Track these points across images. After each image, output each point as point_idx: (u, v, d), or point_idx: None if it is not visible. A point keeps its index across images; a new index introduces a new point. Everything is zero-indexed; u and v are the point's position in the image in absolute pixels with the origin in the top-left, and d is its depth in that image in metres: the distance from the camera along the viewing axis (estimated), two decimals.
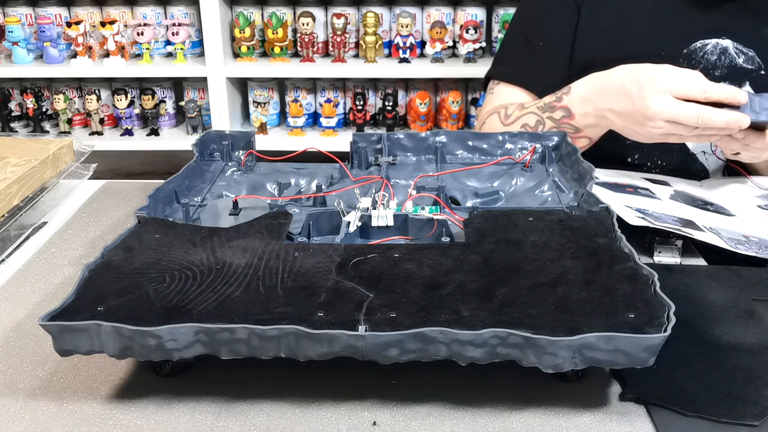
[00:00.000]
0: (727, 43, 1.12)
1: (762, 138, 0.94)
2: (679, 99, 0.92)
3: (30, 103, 2.24)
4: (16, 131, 2.29)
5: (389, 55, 2.29)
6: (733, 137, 0.95)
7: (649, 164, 1.17)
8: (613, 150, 1.11)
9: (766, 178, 1.09)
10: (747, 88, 1.13)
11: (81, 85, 2.34)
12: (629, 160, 1.17)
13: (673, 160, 1.16)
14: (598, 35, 1.16)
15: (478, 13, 2.22)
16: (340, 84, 2.31)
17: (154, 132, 2.32)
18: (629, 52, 1.07)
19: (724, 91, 0.91)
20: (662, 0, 1.15)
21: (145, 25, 2.24)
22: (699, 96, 0.91)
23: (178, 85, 2.39)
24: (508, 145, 0.98)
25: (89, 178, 1.10)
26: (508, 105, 1.16)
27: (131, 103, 2.30)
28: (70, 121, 2.31)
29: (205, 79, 2.23)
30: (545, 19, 1.22)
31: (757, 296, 0.78)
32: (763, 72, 1.13)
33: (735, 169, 1.14)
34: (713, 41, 1.12)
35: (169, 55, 2.31)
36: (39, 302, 0.79)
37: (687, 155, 1.17)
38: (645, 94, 0.94)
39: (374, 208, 0.80)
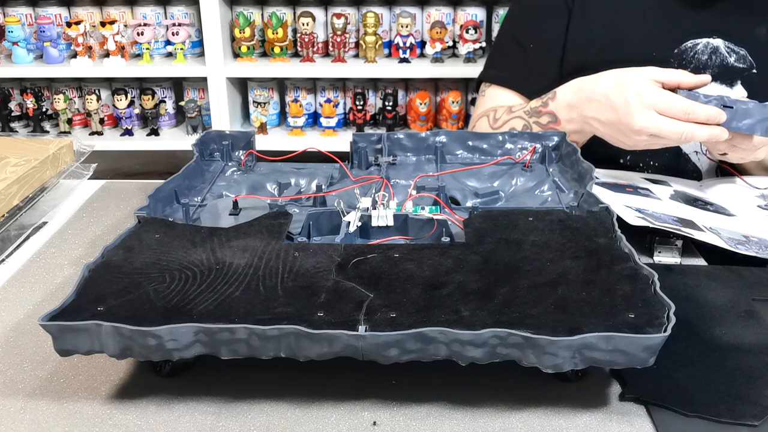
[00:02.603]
0: (718, 42, 1.12)
1: (749, 140, 0.94)
2: (663, 115, 0.93)
3: (30, 103, 2.24)
4: (16, 131, 2.29)
5: (389, 55, 2.29)
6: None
7: (641, 165, 1.17)
8: (605, 151, 1.11)
9: (762, 178, 1.09)
10: (739, 87, 1.13)
11: (81, 85, 2.34)
12: (621, 161, 1.17)
13: (666, 161, 1.17)
14: (589, 37, 1.17)
15: (478, 13, 2.22)
16: (340, 84, 2.31)
17: (154, 132, 2.32)
18: (620, 54, 1.07)
19: (707, 112, 0.90)
20: (652, 1, 1.15)
21: (145, 25, 2.24)
22: (682, 118, 0.91)
23: (178, 85, 2.39)
24: (508, 145, 0.98)
25: (89, 178, 1.10)
26: (497, 108, 1.17)
27: (131, 103, 2.30)
28: (70, 121, 2.31)
29: (205, 79, 2.23)
30: (536, 21, 1.22)
31: (757, 296, 0.78)
32: (755, 71, 1.13)
33: (728, 170, 1.14)
34: (704, 41, 1.13)
35: (169, 55, 2.31)
36: (39, 302, 0.79)
37: (679, 156, 1.17)
38: (631, 109, 0.94)
39: (374, 208, 0.80)
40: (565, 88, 1.06)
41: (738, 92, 1.12)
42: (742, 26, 1.13)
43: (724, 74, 1.12)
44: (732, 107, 0.91)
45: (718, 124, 0.91)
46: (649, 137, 0.94)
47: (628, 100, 0.95)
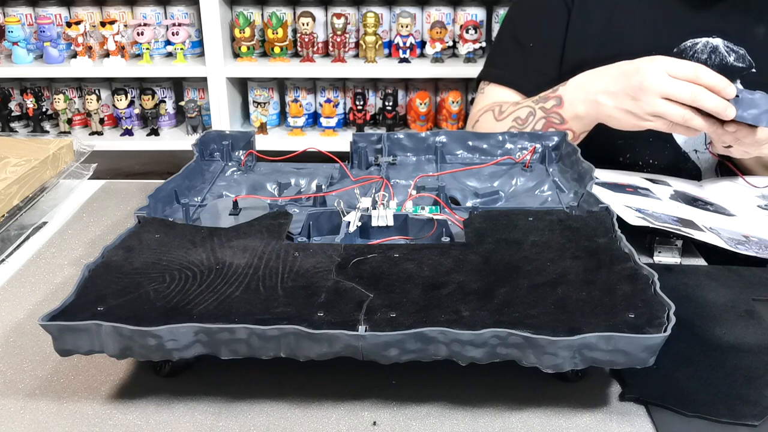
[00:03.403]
0: (717, 41, 1.13)
1: (752, 134, 0.94)
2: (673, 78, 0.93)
3: (30, 103, 2.24)
4: (16, 131, 2.29)
5: (389, 55, 2.29)
6: (725, 129, 0.95)
7: (640, 163, 1.17)
8: (604, 149, 1.11)
9: (763, 178, 1.09)
10: (738, 86, 1.13)
11: (81, 85, 2.34)
12: (621, 159, 1.18)
13: (665, 159, 1.17)
14: (589, 36, 1.17)
15: (478, 13, 2.22)
16: (340, 84, 2.31)
17: (154, 132, 2.32)
18: (619, 52, 1.07)
19: (716, 78, 0.92)
20: (652, 0, 1.16)
21: (145, 25, 2.24)
22: (691, 76, 0.92)
23: (178, 85, 2.39)
24: (508, 145, 0.98)
25: (89, 178, 1.10)
26: (502, 103, 1.17)
27: (131, 103, 2.30)
28: (70, 121, 2.31)
29: (205, 79, 2.23)
30: (536, 20, 1.23)
31: (757, 296, 0.78)
32: (754, 70, 1.13)
33: (728, 168, 1.14)
34: (703, 40, 1.13)
35: (169, 55, 2.31)
36: (39, 302, 0.79)
37: (679, 153, 1.17)
38: (642, 70, 0.95)
39: (374, 208, 0.80)
40: (577, 75, 1.07)
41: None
42: (741, 26, 1.13)
43: (723, 73, 1.12)
44: (738, 96, 0.91)
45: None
46: (658, 101, 0.94)
47: (640, 64, 0.97)
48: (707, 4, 1.13)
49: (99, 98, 2.27)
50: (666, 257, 0.87)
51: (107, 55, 2.25)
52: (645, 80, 0.94)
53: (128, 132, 2.31)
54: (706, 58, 1.13)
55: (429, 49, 2.20)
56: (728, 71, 1.13)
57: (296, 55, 2.30)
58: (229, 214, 0.84)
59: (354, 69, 2.22)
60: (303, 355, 0.59)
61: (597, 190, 0.84)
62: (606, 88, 1.01)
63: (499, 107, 1.16)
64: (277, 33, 2.19)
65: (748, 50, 1.13)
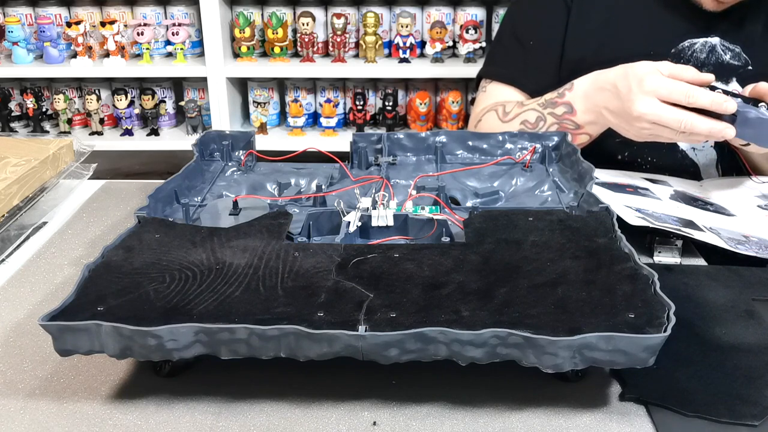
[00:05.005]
0: (715, 40, 1.13)
1: (758, 148, 0.94)
2: (665, 102, 0.92)
3: (30, 103, 2.24)
4: (16, 131, 2.29)
5: (389, 55, 2.29)
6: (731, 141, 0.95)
7: (639, 161, 1.18)
8: (602, 148, 1.12)
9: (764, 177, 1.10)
10: (734, 84, 1.13)
11: (81, 85, 2.34)
12: (619, 157, 1.18)
13: (663, 157, 1.17)
14: (588, 35, 1.17)
15: (478, 13, 2.22)
16: (340, 84, 2.31)
17: (154, 132, 2.32)
18: (618, 51, 1.07)
19: (710, 97, 0.90)
20: (651, 0, 1.16)
21: (145, 25, 2.23)
22: (683, 102, 0.91)
23: (178, 85, 2.39)
24: (508, 145, 0.98)
25: (89, 178, 1.10)
26: (505, 103, 1.17)
27: (131, 103, 2.29)
28: (70, 121, 2.31)
29: (205, 79, 2.23)
30: (536, 19, 1.23)
31: (757, 296, 0.78)
32: (750, 68, 1.13)
33: (729, 164, 1.14)
34: (701, 40, 1.13)
35: (169, 55, 2.31)
36: (39, 302, 0.79)
37: (677, 152, 1.17)
38: (632, 96, 0.94)
39: (374, 208, 0.80)
40: (582, 79, 1.07)
41: (733, 89, 1.13)
42: (738, 24, 1.13)
43: (720, 72, 1.13)
44: (736, 114, 0.90)
45: (726, 117, 0.90)
46: (651, 125, 0.94)
47: (631, 86, 0.95)
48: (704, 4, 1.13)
49: (99, 98, 2.27)
50: (666, 257, 0.87)
51: (107, 55, 2.25)
52: (634, 110, 0.94)
53: (128, 132, 2.31)
54: (705, 57, 1.13)
55: (429, 49, 2.20)
56: (725, 70, 1.13)
57: (296, 55, 2.30)
58: (229, 214, 0.84)
59: (354, 69, 2.22)
60: (303, 355, 0.59)
61: (597, 190, 0.84)
62: (606, 104, 1.01)
63: (503, 107, 1.16)
64: (277, 33, 2.19)
65: (743, 48, 1.13)
